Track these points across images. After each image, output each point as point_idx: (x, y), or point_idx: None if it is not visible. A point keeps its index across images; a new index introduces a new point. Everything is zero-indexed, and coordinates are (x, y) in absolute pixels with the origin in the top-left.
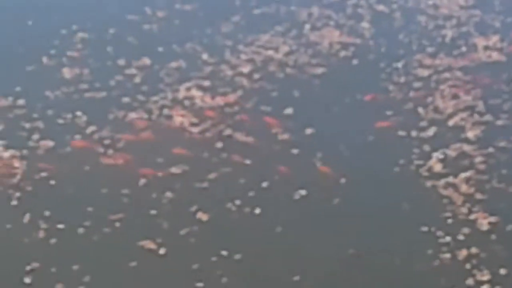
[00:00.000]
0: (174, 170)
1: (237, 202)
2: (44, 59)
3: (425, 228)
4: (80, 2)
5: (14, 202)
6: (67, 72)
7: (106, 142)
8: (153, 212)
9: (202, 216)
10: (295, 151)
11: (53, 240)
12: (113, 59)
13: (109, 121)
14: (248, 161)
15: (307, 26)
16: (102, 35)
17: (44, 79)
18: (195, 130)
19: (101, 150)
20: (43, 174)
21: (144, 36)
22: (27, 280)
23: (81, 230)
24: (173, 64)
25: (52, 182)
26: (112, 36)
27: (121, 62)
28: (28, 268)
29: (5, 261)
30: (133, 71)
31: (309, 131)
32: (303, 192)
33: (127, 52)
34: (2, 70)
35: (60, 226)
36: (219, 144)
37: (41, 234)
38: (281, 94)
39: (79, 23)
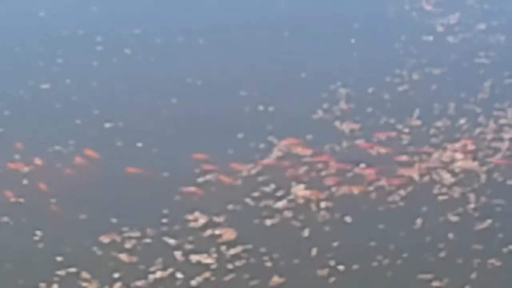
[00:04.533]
0: (450, 217)
1: None
2: (320, 112)
3: None
4: (345, 59)
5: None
6: (341, 126)
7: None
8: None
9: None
10: None
11: (332, 279)
12: (377, 116)
13: (386, 171)
14: None
15: None
16: (362, 92)
17: (324, 131)
18: (454, 189)
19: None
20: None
21: (400, 96)
22: None
23: (356, 267)
24: (437, 124)
25: (349, 219)
26: (371, 95)
27: (390, 119)
28: None
29: None
30: (403, 128)
31: None
32: None
33: (388, 110)
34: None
35: (341, 267)
36: (472, 205)
37: (324, 271)
38: None
39: (342, 80)
